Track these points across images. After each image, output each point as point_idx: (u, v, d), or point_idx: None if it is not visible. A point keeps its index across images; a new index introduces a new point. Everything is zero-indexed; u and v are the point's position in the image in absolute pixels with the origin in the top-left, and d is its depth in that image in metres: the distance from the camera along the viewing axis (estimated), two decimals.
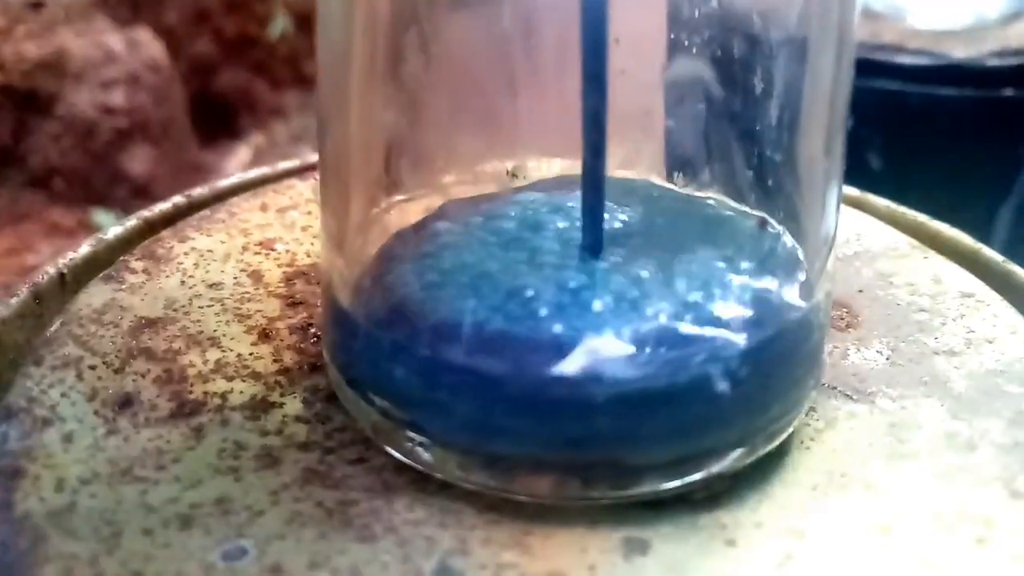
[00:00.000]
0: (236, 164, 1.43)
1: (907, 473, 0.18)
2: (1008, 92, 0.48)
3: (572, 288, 0.16)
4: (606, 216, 0.16)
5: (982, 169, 0.49)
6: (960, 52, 0.50)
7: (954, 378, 0.21)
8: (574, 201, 0.16)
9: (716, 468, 0.16)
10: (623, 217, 0.17)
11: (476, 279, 0.16)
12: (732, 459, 0.17)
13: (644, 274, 0.16)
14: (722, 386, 0.15)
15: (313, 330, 0.23)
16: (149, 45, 1.27)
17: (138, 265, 0.24)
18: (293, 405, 0.20)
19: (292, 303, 0.24)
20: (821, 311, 0.17)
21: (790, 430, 0.18)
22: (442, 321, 0.16)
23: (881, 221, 0.28)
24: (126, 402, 0.20)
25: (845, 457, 0.18)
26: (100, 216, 1.23)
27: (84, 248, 0.26)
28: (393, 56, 0.18)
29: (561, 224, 0.17)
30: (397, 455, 0.18)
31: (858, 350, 0.22)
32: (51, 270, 0.25)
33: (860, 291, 0.24)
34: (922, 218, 0.28)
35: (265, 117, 1.49)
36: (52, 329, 0.22)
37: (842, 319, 0.23)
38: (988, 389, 0.20)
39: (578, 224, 0.16)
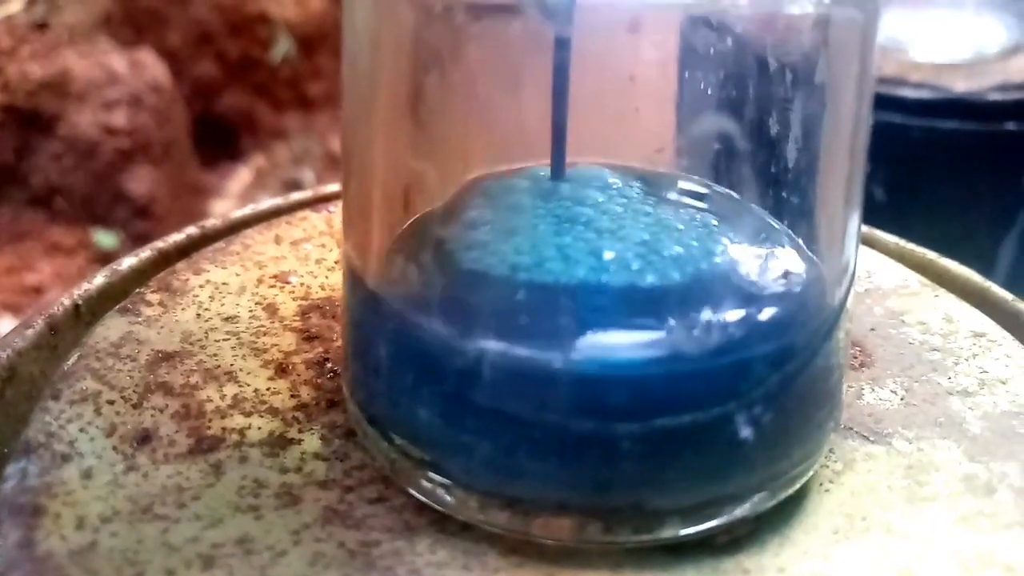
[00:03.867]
0: (237, 186, 1.44)
1: (927, 517, 0.18)
2: (1010, 126, 0.49)
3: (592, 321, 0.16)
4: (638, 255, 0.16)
5: (985, 202, 0.50)
6: (962, 85, 0.51)
7: (969, 419, 0.21)
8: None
9: (738, 512, 0.17)
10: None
11: (501, 316, 0.16)
12: (754, 503, 0.17)
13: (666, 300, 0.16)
14: (745, 432, 0.15)
15: (330, 365, 0.23)
16: (152, 66, 1.28)
17: (154, 298, 0.25)
18: (311, 442, 0.20)
19: (308, 337, 0.24)
20: (840, 351, 0.18)
21: (811, 473, 0.18)
22: (465, 361, 0.16)
23: (890, 258, 0.28)
24: (145, 438, 0.20)
25: (864, 500, 0.18)
26: (101, 236, 1.24)
27: (99, 279, 0.26)
28: (415, 96, 0.18)
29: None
30: (417, 495, 0.18)
31: (872, 390, 0.22)
32: (66, 301, 0.25)
33: (872, 329, 0.25)
34: (930, 255, 0.29)
35: (267, 139, 1.49)
36: (69, 363, 0.22)
37: (856, 358, 0.23)
38: (1004, 431, 0.20)
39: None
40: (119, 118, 1.22)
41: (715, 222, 0.16)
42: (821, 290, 0.17)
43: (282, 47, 1.45)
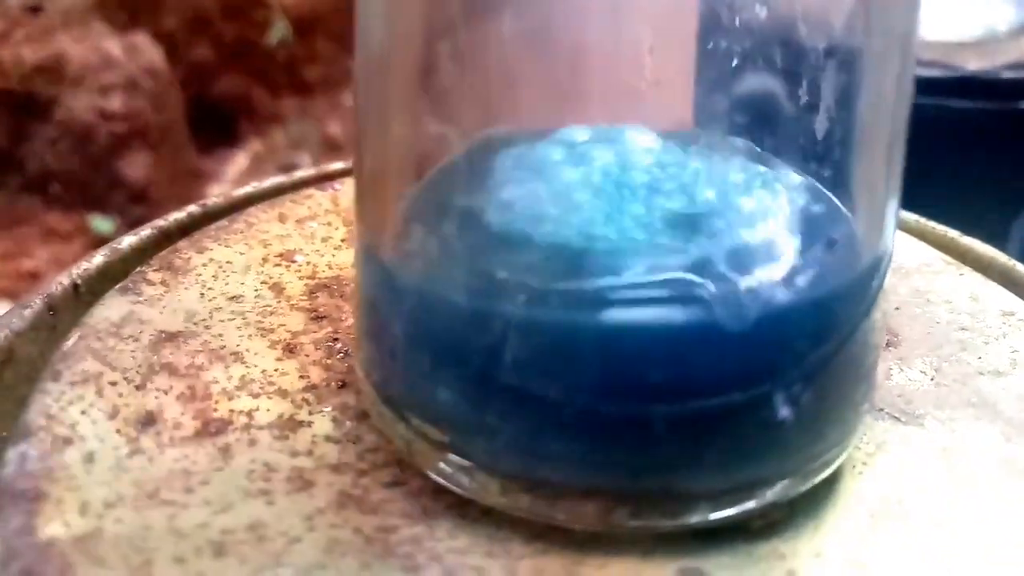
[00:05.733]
0: (234, 170, 1.43)
1: (966, 501, 0.17)
2: (1023, 105, 0.48)
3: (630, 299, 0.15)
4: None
5: (996, 182, 0.49)
6: (974, 64, 0.50)
7: (1002, 400, 0.20)
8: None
9: (771, 495, 0.16)
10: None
11: (527, 292, 0.15)
12: (787, 486, 0.16)
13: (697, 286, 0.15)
14: (784, 412, 0.15)
15: (339, 345, 0.22)
16: (148, 50, 1.26)
17: (155, 276, 0.24)
18: (322, 424, 0.19)
19: (316, 317, 0.23)
20: (876, 331, 0.17)
21: (845, 455, 0.17)
22: (489, 335, 0.15)
23: (911, 236, 0.27)
24: (149, 420, 0.19)
25: (899, 483, 0.17)
26: (98, 221, 1.22)
27: (98, 258, 0.25)
28: (431, 62, 0.17)
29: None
30: (436, 478, 0.17)
31: (901, 370, 0.21)
32: (64, 280, 0.24)
33: (897, 308, 0.24)
34: (952, 233, 0.28)
35: (263, 123, 1.48)
36: (70, 343, 0.21)
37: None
38: None
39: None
40: (115, 103, 1.20)
41: (760, 187, 0.15)
42: (863, 267, 0.16)
43: (278, 31, 1.43)
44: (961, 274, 0.25)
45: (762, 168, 0.16)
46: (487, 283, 0.15)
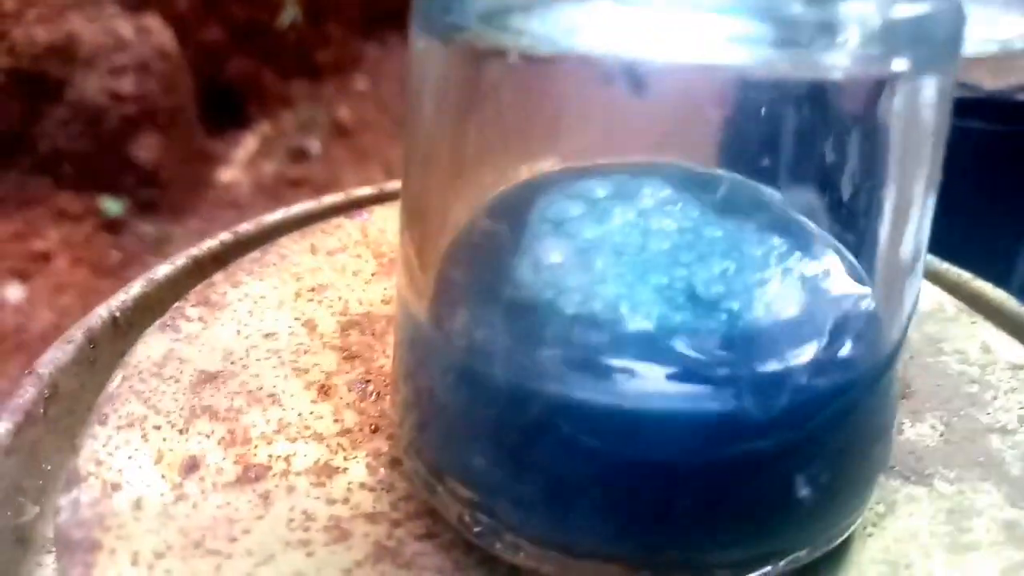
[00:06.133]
0: (243, 153, 1.43)
1: (971, 567, 0.18)
2: None
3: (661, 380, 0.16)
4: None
5: (1007, 205, 0.50)
6: (990, 83, 0.50)
7: (1008, 459, 0.21)
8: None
9: (786, 563, 0.17)
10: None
11: (555, 373, 0.16)
12: (803, 555, 0.17)
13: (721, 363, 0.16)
14: (803, 491, 0.15)
15: (371, 387, 0.23)
16: (158, 32, 1.26)
17: (193, 312, 0.24)
18: (357, 470, 0.20)
19: (348, 356, 0.24)
20: (894, 402, 0.18)
21: (859, 521, 0.18)
22: (520, 409, 0.16)
23: (928, 280, 0.28)
24: (192, 465, 0.20)
25: (908, 547, 0.18)
26: (108, 203, 1.23)
27: (135, 289, 0.26)
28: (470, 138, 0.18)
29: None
30: (466, 535, 0.18)
31: (912, 424, 0.22)
32: (104, 313, 0.25)
33: (911, 357, 0.25)
34: (965, 276, 0.29)
35: (273, 106, 1.48)
36: (114, 384, 0.22)
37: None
38: None
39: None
40: (126, 84, 1.21)
41: (784, 250, 0.16)
42: (887, 347, 0.16)
43: (289, 13, 1.43)
44: (973, 322, 0.26)
45: (790, 236, 0.17)
46: (514, 360, 0.15)
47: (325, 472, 0.20)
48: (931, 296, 0.27)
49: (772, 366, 0.15)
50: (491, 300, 0.17)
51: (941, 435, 0.22)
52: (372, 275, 0.27)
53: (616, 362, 0.15)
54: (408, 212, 0.18)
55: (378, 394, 0.22)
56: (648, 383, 0.15)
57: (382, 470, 0.20)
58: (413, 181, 0.17)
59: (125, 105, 1.22)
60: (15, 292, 1.12)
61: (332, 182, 1.45)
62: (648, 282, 0.16)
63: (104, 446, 0.20)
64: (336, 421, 0.21)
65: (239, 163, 1.42)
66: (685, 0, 0.13)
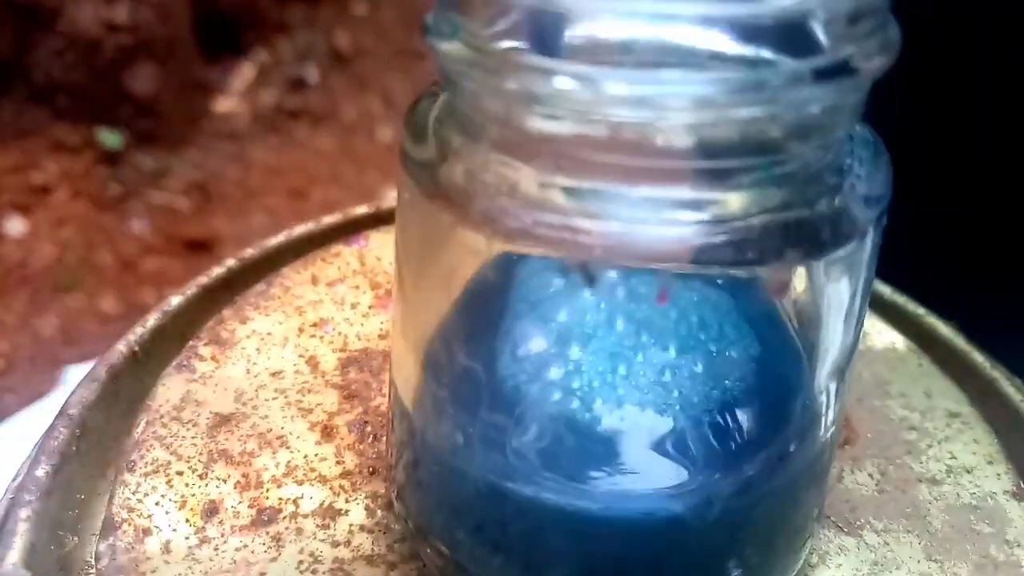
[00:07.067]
0: (240, 82, 1.42)
1: None
2: None
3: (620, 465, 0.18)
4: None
5: None
6: None
7: (933, 512, 0.24)
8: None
9: None
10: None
11: (520, 474, 0.18)
12: None
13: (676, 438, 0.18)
14: (735, 573, 0.18)
15: (369, 428, 0.25)
16: None
17: (206, 352, 0.27)
18: (357, 512, 0.23)
19: (348, 395, 0.26)
20: (826, 488, 0.20)
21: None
22: (492, 500, 0.19)
23: (883, 317, 0.30)
24: (212, 510, 0.22)
25: None
26: (105, 135, 1.23)
27: (151, 322, 0.28)
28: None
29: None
30: None
31: (852, 471, 0.25)
32: (123, 348, 0.27)
33: (859, 400, 0.27)
34: (920, 310, 0.31)
35: (270, 33, 1.46)
36: (138, 430, 0.24)
37: (841, 433, 0.26)
38: (961, 527, 0.23)
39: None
40: (120, 14, 1.19)
41: (737, 367, 0.18)
42: (821, 437, 0.19)
43: None
44: (920, 364, 0.29)
45: (736, 335, 0.19)
46: (482, 456, 0.18)
47: (329, 514, 0.23)
48: (886, 336, 0.30)
49: (722, 472, 0.18)
50: (467, 404, 0.19)
51: (877, 484, 0.24)
52: (369, 307, 0.29)
53: (570, 470, 0.18)
54: (396, 307, 0.20)
55: (375, 436, 0.25)
56: (607, 487, 0.18)
57: (379, 512, 0.23)
58: (402, 289, 0.19)
59: (120, 35, 1.20)
60: (16, 226, 1.13)
61: (330, 113, 1.45)
62: (611, 369, 0.18)
63: (134, 493, 0.22)
64: (338, 463, 0.24)
65: (236, 92, 1.41)
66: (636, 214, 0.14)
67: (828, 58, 0.14)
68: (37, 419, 0.89)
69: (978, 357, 0.29)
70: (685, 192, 0.15)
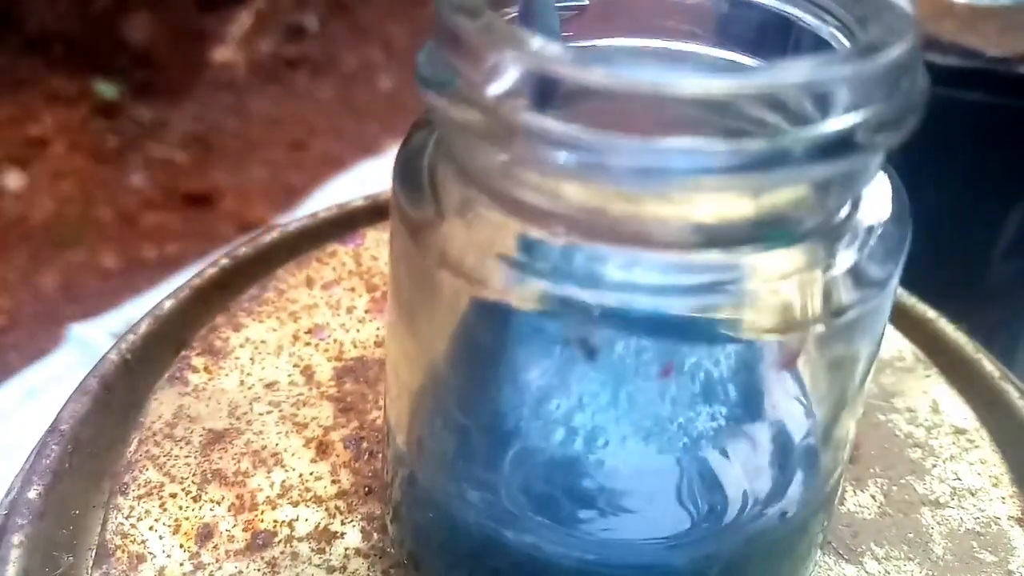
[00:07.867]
0: (238, 30, 1.39)
1: None
2: None
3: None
4: None
5: (994, 173, 0.50)
6: (993, 50, 0.49)
7: (935, 537, 0.23)
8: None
9: None
10: None
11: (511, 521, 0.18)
12: None
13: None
14: None
15: (365, 445, 0.25)
16: None
17: (199, 362, 0.26)
18: (353, 535, 0.23)
19: (344, 408, 0.26)
20: (824, 532, 0.20)
21: None
22: (474, 540, 0.18)
23: (891, 322, 0.30)
24: (206, 534, 0.22)
25: None
26: (102, 86, 1.21)
27: (142, 326, 0.27)
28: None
29: None
30: None
31: (855, 492, 0.24)
32: (114, 356, 0.26)
33: (864, 412, 0.27)
34: (931, 314, 0.30)
35: None
36: (131, 449, 0.24)
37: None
38: (963, 554, 0.23)
39: None
40: None
41: (736, 416, 0.18)
42: (824, 478, 0.18)
43: None
44: (927, 375, 0.28)
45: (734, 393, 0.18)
46: (466, 500, 0.17)
47: (324, 537, 0.22)
48: (894, 343, 0.29)
49: (723, 520, 0.17)
50: (458, 452, 0.19)
51: (879, 506, 0.24)
52: (365, 312, 0.29)
53: (574, 516, 0.17)
54: (390, 344, 0.20)
55: (370, 453, 0.25)
56: (602, 536, 0.17)
57: (375, 535, 0.23)
58: (395, 331, 0.19)
59: None
60: (15, 180, 1.12)
61: (330, 62, 1.42)
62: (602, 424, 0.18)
63: (127, 517, 0.22)
64: (334, 482, 0.24)
65: (234, 41, 1.38)
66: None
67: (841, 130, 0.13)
68: (42, 375, 0.89)
69: (987, 365, 0.28)
70: (693, 256, 0.14)
